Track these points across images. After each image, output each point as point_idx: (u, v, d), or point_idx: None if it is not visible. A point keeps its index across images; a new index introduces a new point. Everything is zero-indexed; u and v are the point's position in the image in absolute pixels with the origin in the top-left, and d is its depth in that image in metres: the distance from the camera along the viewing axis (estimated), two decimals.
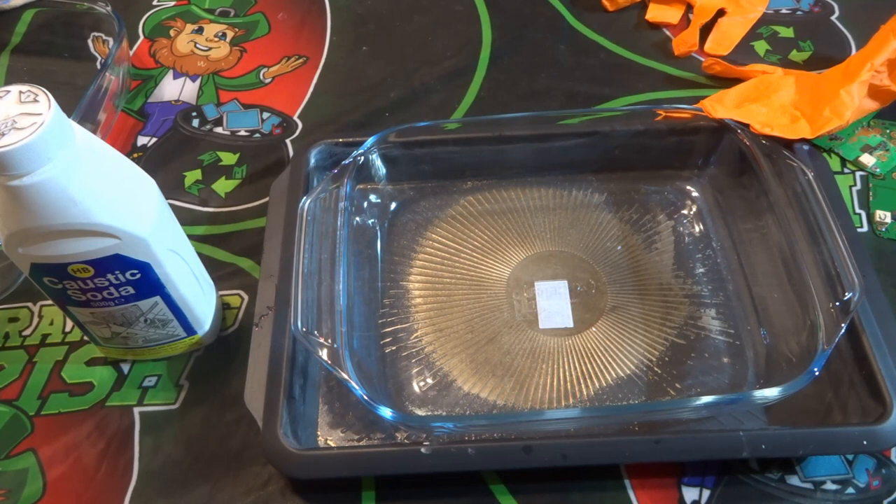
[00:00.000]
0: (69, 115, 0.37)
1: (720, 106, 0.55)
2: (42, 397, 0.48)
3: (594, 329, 0.50)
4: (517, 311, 0.51)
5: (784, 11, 0.69)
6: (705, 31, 0.67)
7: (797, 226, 0.47)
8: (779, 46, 0.66)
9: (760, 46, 0.66)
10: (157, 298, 0.44)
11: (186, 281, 0.45)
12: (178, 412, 0.48)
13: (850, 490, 0.43)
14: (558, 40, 0.68)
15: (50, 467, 0.46)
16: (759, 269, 0.51)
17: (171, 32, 0.71)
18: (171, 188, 0.59)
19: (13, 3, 0.72)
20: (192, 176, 0.60)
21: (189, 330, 0.48)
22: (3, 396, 0.49)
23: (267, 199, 0.56)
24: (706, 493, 0.43)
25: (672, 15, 0.69)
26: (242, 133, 0.63)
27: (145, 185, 0.42)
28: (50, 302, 0.47)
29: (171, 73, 0.67)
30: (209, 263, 0.51)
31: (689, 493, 0.43)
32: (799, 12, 0.69)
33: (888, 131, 0.59)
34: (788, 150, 0.52)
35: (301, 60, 0.68)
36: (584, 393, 0.47)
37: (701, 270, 0.52)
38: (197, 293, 0.47)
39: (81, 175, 0.36)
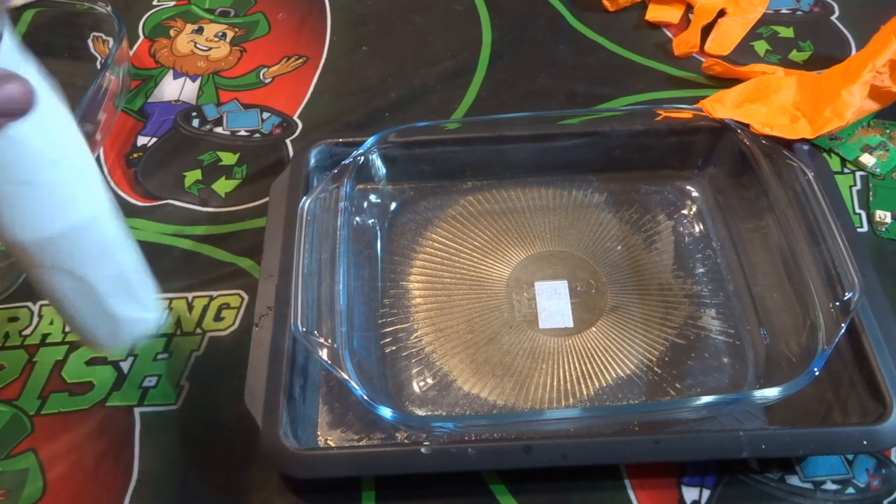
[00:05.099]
0: None
1: (720, 106, 0.55)
2: (42, 397, 0.48)
3: (594, 329, 0.50)
4: (517, 311, 0.51)
5: (784, 11, 0.69)
6: (705, 31, 0.67)
7: (797, 226, 0.47)
8: (779, 46, 0.66)
9: (760, 46, 0.66)
10: None
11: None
12: (178, 412, 0.48)
13: (850, 490, 0.43)
14: (558, 40, 0.68)
15: (50, 467, 0.46)
16: (759, 269, 0.51)
17: (171, 32, 0.71)
18: (171, 188, 0.59)
19: (13, 3, 0.72)
20: (192, 176, 0.60)
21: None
22: (3, 396, 0.49)
23: (267, 199, 0.56)
24: (706, 493, 0.43)
25: (672, 15, 0.69)
26: (242, 133, 0.63)
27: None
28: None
29: (171, 73, 0.67)
30: (209, 263, 0.50)
31: (689, 493, 0.43)
32: (799, 12, 0.69)
33: (888, 131, 0.59)
34: (788, 150, 0.52)
35: (301, 60, 0.68)
36: (584, 393, 0.47)
37: (701, 270, 0.52)
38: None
39: None
